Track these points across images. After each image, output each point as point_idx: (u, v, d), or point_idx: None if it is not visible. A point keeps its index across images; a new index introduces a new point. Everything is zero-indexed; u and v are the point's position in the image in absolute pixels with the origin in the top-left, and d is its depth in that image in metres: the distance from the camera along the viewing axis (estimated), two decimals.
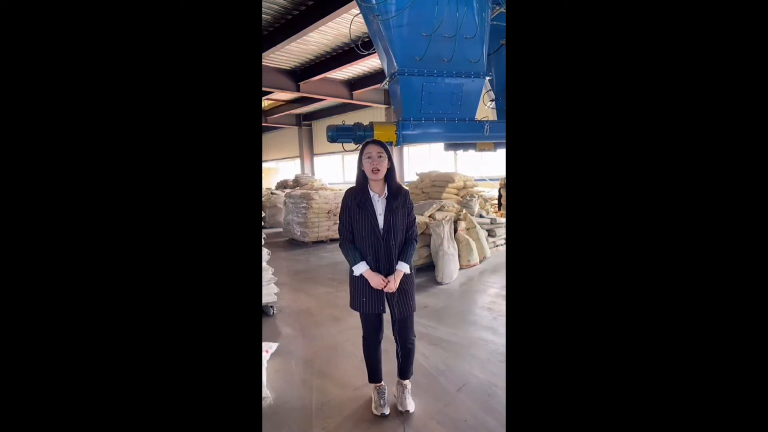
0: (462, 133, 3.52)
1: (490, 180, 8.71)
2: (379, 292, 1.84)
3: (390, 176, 1.85)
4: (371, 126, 3.24)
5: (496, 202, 7.89)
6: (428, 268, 4.68)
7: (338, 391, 2.22)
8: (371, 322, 1.93)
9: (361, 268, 1.82)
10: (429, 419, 1.94)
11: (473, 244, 4.87)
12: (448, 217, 4.82)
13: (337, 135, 3.24)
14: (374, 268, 1.83)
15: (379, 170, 1.80)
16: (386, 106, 10.97)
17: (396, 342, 1.96)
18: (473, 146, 4.33)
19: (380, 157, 1.80)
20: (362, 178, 1.85)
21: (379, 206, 1.83)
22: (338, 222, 1.90)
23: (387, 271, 1.83)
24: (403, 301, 1.89)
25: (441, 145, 4.76)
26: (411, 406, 1.97)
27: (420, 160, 11.07)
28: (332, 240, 7.20)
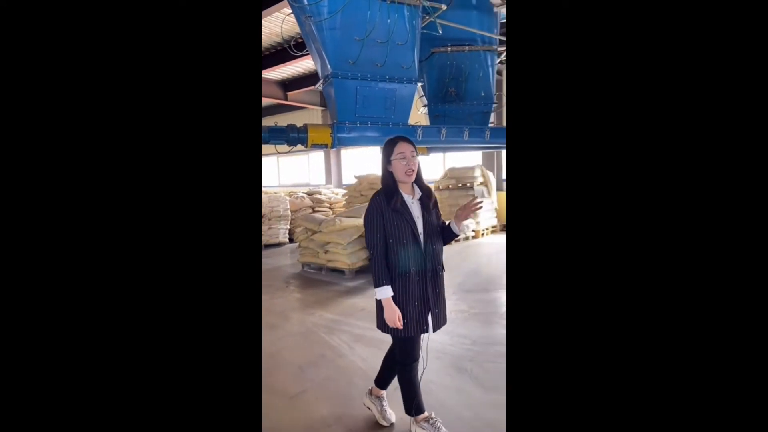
0: None
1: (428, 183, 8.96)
2: (423, 309, 1.64)
3: (418, 176, 1.68)
4: (305, 128, 3.19)
5: None
6: (367, 270, 4.71)
7: (276, 400, 2.15)
8: (412, 345, 1.70)
9: (386, 294, 1.59)
10: (367, 420, 1.96)
11: None
12: None
13: (270, 137, 3.15)
14: (416, 275, 1.62)
15: (413, 171, 1.62)
16: (322, 108, 10.86)
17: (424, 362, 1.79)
18: None
19: (413, 156, 1.63)
20: (392, 181, 1.64)
21: (415, 209, 1.66)
22: (366, 235, 1.66)
23: (432, 277, 1.66)
24: (443, 309, 1.72)
25: (378, 149, 4.81)
26: None
27: (357, 162, 11.11)
28: (266, 246, 6.96)
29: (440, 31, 4.10)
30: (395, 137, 1.68)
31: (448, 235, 1.74)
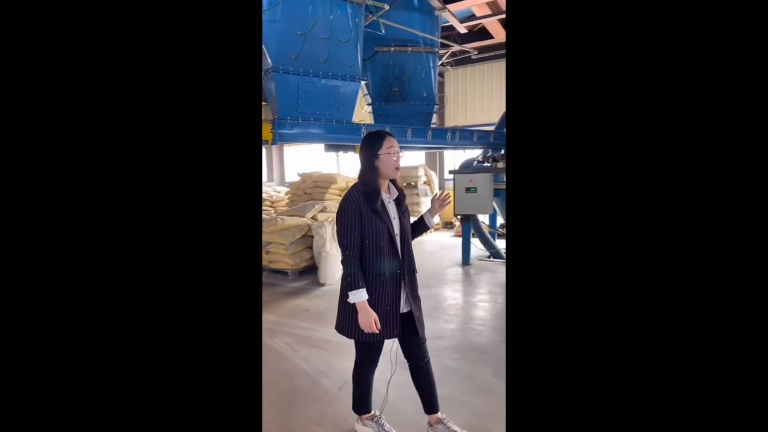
0: (341, 134, 3.57)
1: None
2: (395, 314, 1.56)
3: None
4: None
5: None
6: (311, 270, 4.63)
7: None
8: (377, 349, 1.65)
9: (362, 297, 1.48)
10: (309, 423, 1.92)
11: None
12: (330, 218, 4.83)
13: None
14: (390, 279, 1.54)
15: (399, 168, 1.55)
16: (263, 103, 10.48)
17: (412, 367, 1.71)
18: (353, 148, 4.44)
19: (399, 152, 1.56)
20: (374, 178, 1.54)
21: (392, 209, 1.59)
22: (339, 233, 1.53)
23: (409, 280, 1.60)
24: (420, 312, 1.65)
25: (321, 146, 4.75)
26: None
27: (301, 159, 10.87)
28: None
29: (383, 31, 4.13)
30: (378, 131, 1.59)
31: (419, 229, 1.73)
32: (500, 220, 5.60)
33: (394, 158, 1.52)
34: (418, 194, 7.50)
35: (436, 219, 8.00)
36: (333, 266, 4.35)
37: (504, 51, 5.07)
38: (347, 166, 10.21)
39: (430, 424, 1.75)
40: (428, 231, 1.73)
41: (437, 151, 8.19)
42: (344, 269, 1.52)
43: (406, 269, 1.59)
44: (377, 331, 1.51)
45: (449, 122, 8.40)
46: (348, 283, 1.50)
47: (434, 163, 8.60)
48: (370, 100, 4.80)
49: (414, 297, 1.62)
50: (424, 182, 7.82)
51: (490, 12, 6.11)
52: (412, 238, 1.68)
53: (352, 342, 2.85)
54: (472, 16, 6.30)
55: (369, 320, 1.49)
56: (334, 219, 4.96)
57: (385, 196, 1.57)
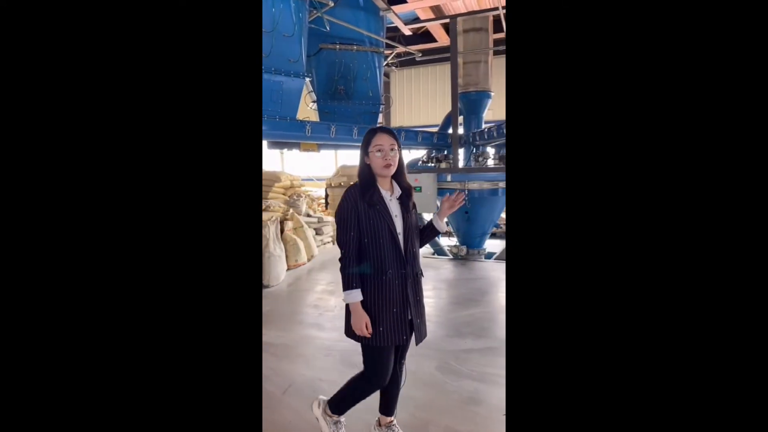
0: (285, 131, 3.48)
1: (317, 180, 8.90)
2: (403, 318, 1.48)
3: (400, 172, 1.53)
4: None
5: (323, 201, 8.11)
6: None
7: None
8: (388, 359, 1.51)
9: (355, 298, 1.44)
10: None
11: (301, 244, 4.89)
12: (274, 218, 4.69)
13: None
14: (395, 279, 1.47)
15: (391, 166, 1.47)
16: None
17: (401, 372, 1.65)
18: (297, 146, 4.35)
19: (392, 150, 1.47)
20: (369, 174, 1.49)
21: (393, 207, 1.51)
22: (337, 232, 1.48)
23: (412, 283, 1.52)
24: (424, 319, 1.57)
25: (265, 143, 4.60)
26: None
27: None
28: None
29: (328, 28, 4.08)
30: (375, 128, 1.54)
31: (429, 234, 1.64)
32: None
33: (380, 156, 1.46)
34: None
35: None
36: (277, 267, 4.24)
37: (448, 54, 5.23)
38: (292, 164, 9.98)
39: (379, 425, 1.73)
40: (439, 236, 1.66)
41: None
42: (341, 268, 1.47)
43: (410, 270, 1.51)
44: (368, 335, 1.44)
45: (395, 122, 8.51)
46: (344, 282, 1.46)
47: None
48: (315, 97, 4.73)
49: (417, 302, 1.54)
50: None
51: (433, 16, 6.28)
52: (422, 244, 1.63)
53: (297, 343, 2.78)
54: (417, 19, 6.44)
55: (361, 322, 1.43)
56: (278, 218, 4.83)
57: (385, 193, 1.51)
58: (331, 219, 6.50)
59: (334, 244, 6.25)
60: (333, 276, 4.58)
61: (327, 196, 7.94)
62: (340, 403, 1.67)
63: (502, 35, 5.76)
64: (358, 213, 1.45)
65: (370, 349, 1.50)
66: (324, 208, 7.98)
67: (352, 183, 1.59)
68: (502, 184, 4.82)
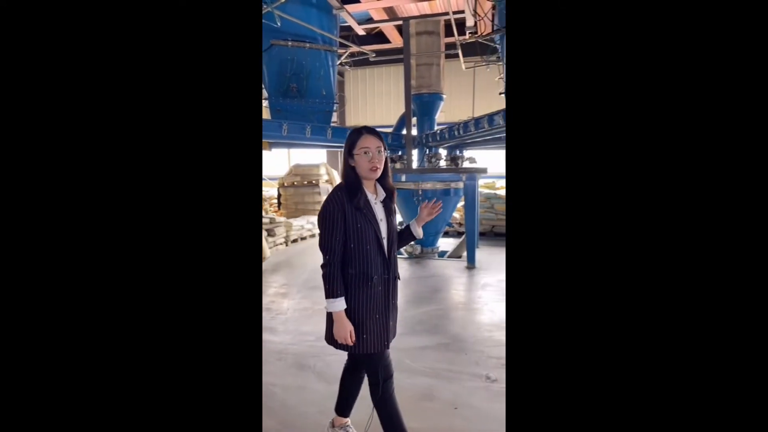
0: None
1: (270, 179, 8.66)
2: (385, 321, 1.47)
3: (385, 174, 1.48)
4: None
5: (275, 201, 7.91)
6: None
7: None
8: (383, 359, 1.50)
9: (339, 307, 1.39)
10: None
11: None
12: None
13: None
14: (380, 285, 1.45)
15: (378, 169, 1.42)
16: None
17: (351, 369, 1.67)
18: None
19: (379, 152, 1.42)
20: (355, 177, 1.44)
21: (378, 211, 1.47)
22: (321, 236, 1.42)
23: (392, 289, 1.51)
24: (396, 321, 1.56)
25: None
26: None
27: None
28: None
29: (279, 23, 3.99)
30: (360, 128, 1.47)
31: (405, 239, 1.64)
32: (399, 218, 5.86)
33: (367, 158, 1.41)
34: (319, 193, 7.43)
35: None
36: None
37: (401, 56, 5.30)
38: None
39: (333, 426, 1.72)
40: (414, 241, 1.64)
41: (339, 150, 8.21)
42: (324, 274, 1.41)
43: (391, 275, 1.49)
44: (351, 343, 1.42)
45: (350, 122, 8.49)
46: (327, 289, 1.40)
47: (336, 161, 8.62)
48: (266, 95, 4.60)
49: (393, 306, 1.54)
50: (326, 180, 7.78)
51: (387, 17, 6.34)
52: (397, 248, 1.60)
53: None
54: (370, 20, 6.46)
55: (345, 332, 1.39)
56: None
57: (371, 196, 1.47)
58: (283, 219, 6.35)
59: (287, 245, 6.11)
60: (285, 278, 4.48)
61: (279, 196, 7.74)
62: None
63: (452, 39, 5.93)
64: (345, 217, 1.39)
65: (367, 357, 1.49)
66: (276, 209, 7.77)
67: (336, 184, 1.57)
68: (454, 185, 4.96)
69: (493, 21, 4.72)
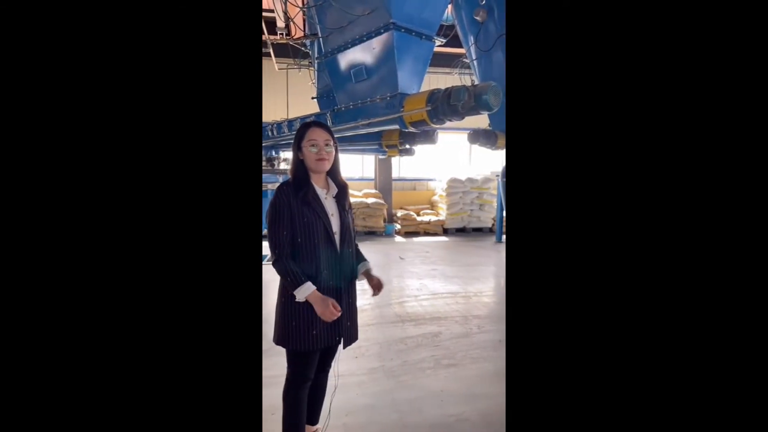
0: None
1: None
2: (336, 319, 1.42)
3: (335, 169, 1.49)
4: None
5: None
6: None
7: None
8: (314, 359, 1.49)
9: (308, 291, 1.35)
10: None
11: None
12: None
13: None
14: (328, 285, 1.42)
15: (325, 160, 1.43)
16: None
17: (327, 379, 1.65)
18: None
19: (327, 145, 1.43)
20: (302, 171, 1.44)
21: (329, 205, 1.46)
22: (268, 231, 1.39)
23: (347, 287, 1.48)
24: (355, 322, 1.54)
25: None
26: None
27: None
28: None
29: None
30: (308, 122, 1.51)
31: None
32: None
33: (314, 151, 1.41)
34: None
35: None
36: None
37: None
38: None
39: None
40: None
41: None
42: (278, 271, 1.37)
43: (345, 273, 1.48)
44: (338, 314, 1.38)
45: None
46: (289, 282, 1.36)
47: None
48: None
49: (348, 305, 1.50)
50: None
51: None
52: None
53: None
54: None
55: (327, 307, 1.36)
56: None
57: (320, 191, 1.46)
58: None
59: None
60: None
61: None
62: (291, 428, 1.54)
63: (264, 37, 5.80)
64: (292, 211, 1.38)
65: (297, 354, 1.46)
66: None
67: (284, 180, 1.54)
68: (272, 186, 4.87)
69: (304, 26, 4.83)
